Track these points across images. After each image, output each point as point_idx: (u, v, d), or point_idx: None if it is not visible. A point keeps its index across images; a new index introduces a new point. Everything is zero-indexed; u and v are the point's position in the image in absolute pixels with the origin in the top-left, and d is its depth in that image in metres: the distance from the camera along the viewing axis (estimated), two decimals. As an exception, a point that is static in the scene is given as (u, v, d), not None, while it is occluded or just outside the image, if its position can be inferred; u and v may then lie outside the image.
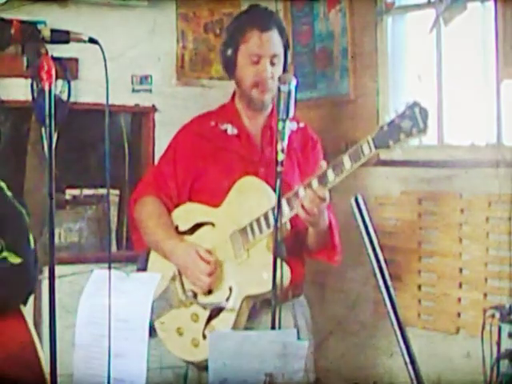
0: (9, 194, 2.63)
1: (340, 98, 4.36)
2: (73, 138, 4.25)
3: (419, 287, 3.89)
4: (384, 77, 4.15)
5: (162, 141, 4.63)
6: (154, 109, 4.60)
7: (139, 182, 3.21)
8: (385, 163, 3.93)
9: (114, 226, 4.59)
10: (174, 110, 4.63)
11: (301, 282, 3.01)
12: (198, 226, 2.94)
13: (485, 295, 3.56)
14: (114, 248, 4.53)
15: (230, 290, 2.79)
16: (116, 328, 2.09)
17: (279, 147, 2.40)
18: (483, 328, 3.29)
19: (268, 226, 2.72)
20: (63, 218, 4.58)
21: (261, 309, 2.82)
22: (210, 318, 2.82)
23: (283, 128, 2.42)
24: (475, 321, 3.48)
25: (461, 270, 3.69)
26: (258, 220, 2.75)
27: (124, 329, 2.14)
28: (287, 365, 1.95)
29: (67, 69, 4.18)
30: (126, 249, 4.65)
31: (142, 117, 4.68)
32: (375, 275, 1.87)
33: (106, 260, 2.16)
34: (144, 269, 3.10)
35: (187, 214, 2.98)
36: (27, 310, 4.24)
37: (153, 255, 3.04)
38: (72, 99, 4.27)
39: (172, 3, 4.62)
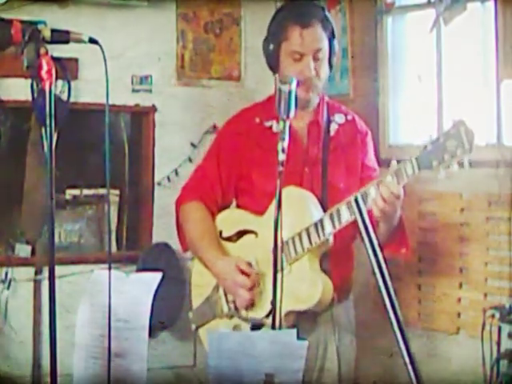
0: None
1: (340, 97, 4.35)
2: (73, 137, 4.25)
3: (419, 287, 3.89)
4: (384, 77, 4.15)
5: (162, 141, 4.64)
6: (154, 109, 4.60)
7: (184, 184, 3.09)
8: (385, 163, 3.92)
9: (113, 226, 4.58)
10: (174, 110, 4.63)
11: (348, 284, 2.93)
12: (241, 233, 2.87)
13: (485, 295, 3.56)
14: (114, 248, 4.53)
15: (272, 303, 2.73)
16: (116, 328, 2.09)
17: (279, 147, 2.38)
18: (483, 328, 3.29)
19: (310, 242, 2.65)
20: (63, 217, 4.58)
21: (303, 323, 2.73)
22: (252, 330, 2.74)
23: (284, 128, 2.40)
24: (475, 321, 3.48)
25: (461, 270, 3.69)
26: (299, 235, 2.67)
27: (124, 329, 2.14)
28: (287, 365, 1.95)
29: (67, 69, 4.18)
30: (126, 249, 4.65)
31: (142, 117, 4.68)
32: (375, 275, 1.87)
33: (106, 260, 2.16)
34: (144, 269, 3.08)
35: (231, 219, 2.90)
36: (28, 310, 4.26)
37: (196, 263, 2.98)
38: (72, 99, 4.27)
39: (172, 3, 4.62)
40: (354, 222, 2.82)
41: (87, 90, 4.33)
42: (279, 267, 2.62)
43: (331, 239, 2.67)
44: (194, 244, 2.91)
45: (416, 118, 4.12)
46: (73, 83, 4.27)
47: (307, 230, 2.66)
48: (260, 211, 2.80)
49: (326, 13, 2.83)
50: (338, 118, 2.92)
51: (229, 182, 2.90)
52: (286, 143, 2.39)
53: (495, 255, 3.53)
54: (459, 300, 3.69)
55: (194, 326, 2.94)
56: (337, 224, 2.60)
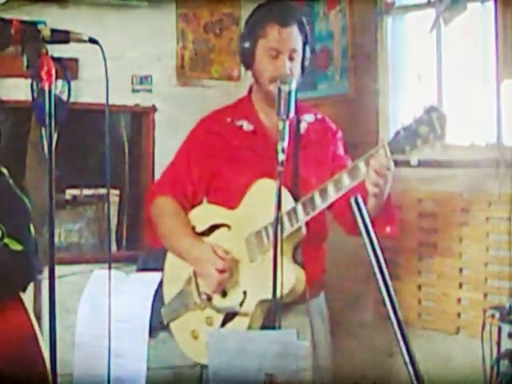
0: (10, 181, 2.61)
1: (340, 97, 4.36)
2: (73, 137, 4.25)
3: (419, 287, 3.89)
4: (384, 77, 4.15)
5: (162, 141, 4.64)
6: (154, 109, 4.60)
7: (155, 181, 3.17)
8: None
9: (113, 226, 4.59)
10: (174, 110, 4.64)
11: (320, 279, 2.96)
12: (214, 227, 2.91)
13: (485, 295, 3.56)
14: (114, 248, 4.54)
15: (245, 294, 2.76)
16: (116, 328, 2.09)
17: (279, 147, 2.39)
18: (483, 328, 3.29)
19: (283, 230, 2.65)
20: (63, 218, 4.58)
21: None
22: (224, 322, 2.79)
23: (283, 128, 2.41)
24: (475, 321, 3.48)
25: (461, 270, 3.69)
26: (272, 224, 2.70)
27: (124, 329, 2.14)
28: (287, 365, 1.95)
29: (67, 69, 4.18)
30: (126, 249, 4.65)
31: (141, 117, 4.69)
32: (375, 275, 1.87)
33: (106, 260, 2.16)
34: (144, 269, 3.09)
35: (204, 215, 2.95)
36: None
37: (169, 257, 3.01)
38: (72, 99, 4.27)
39: (172, 3, 4.62)
40: (325, 220, 2.91)
41: (87, 90, 4.34)
42: (254, 258, 2.75)
43: (304, 229, 2.69)
44: (168, 235, 2.95)
45: (416, 117, 4.11)
46: (73, 83, 4.27)
47: (280, 218, 2.67)
48: (232, 206, 2.85)
49: (303, 18, 2.91)
50: (308, 118, 2.97)
51: (200, 180, 2.95)
52: (285, 143, 2.40)
53: (495, 255, 3.52)
54: (459, 300, 3.69)
55: (165, 322, 2.96)
56: (310, 211, 2.63)
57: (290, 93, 2.44)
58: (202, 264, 2.79)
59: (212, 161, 2.92)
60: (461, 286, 3.69)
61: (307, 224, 2.70)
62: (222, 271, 2.74)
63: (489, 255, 3.56)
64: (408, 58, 4.15)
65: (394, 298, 1.87)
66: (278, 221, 2.36)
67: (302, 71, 2.90)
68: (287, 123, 2.41)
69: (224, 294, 2.81)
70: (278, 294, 2.66)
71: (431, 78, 3.93)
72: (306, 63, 2.90)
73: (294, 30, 2.84)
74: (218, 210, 2.91)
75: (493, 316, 3.29)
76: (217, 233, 2.90)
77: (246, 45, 2.88)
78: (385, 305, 1.86)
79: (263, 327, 2.76)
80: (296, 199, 2.71)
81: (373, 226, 2.80)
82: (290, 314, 2.80)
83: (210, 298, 2.82)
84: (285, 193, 2.72)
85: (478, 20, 3.71)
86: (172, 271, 2.96)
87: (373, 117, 4.16)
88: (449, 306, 3.72)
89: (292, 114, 2.44)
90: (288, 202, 2.70)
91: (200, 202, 2.99)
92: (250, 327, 2.73)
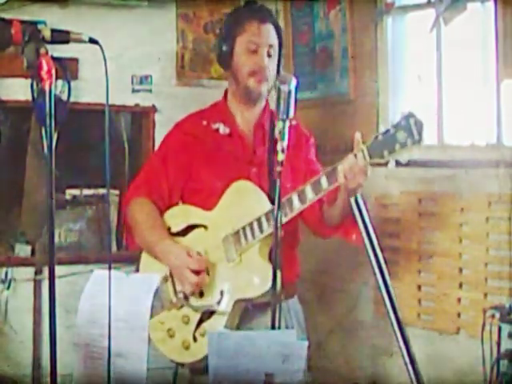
0: None
1: (340, 97, 4.36)
2: (73, 137, 4.25)
3: (419, 287, 3.89)
4: (384, 77, 4.15)
5: (161, 141, 4.64)
6: (154, 109, 4.60)
7: (131, 182, 3.21)
8: (384, 163, 3.92)
9: (113, 225, 4.58)
10: (174, 110, 4.62)
11: (294, 283, 3.01)
12: (190, 227, 2.94)
13: (485, 295, 3.56)
14: (114, 248, 4.53)
15: (222, 293, 2.79)
16: (116, 328, 2.09)
17: (279, 147, 2.40)
18: (483, 328, 3.29)
19: (261, 230, 2.73)
20: (63, 217, 4.58)
21: (253, 312, 2.83)
22: (200, 321, 2.82)
23: (283, 128, 2.41)
24: (475, 321, 3.48)
25: (461, 270, 3.69)
26: (251, 224, 2.75)
27: (124, 329, 2.14)
28: (287, 365, 1.95)
29: (67, 69, 4.18)
30: (126, 249, 4.64)
31: (141, 117, 4.68)
32: (375, 275, 1.87)
33: (106, 260, 2.16)
34: (137, 270, 3.11)
35: (180, 215, 2.98)
36: (28, 310, 4.26)
37: (144, 256, 3.03)
38: (72, 99, 4.27)
39: (172, 3, 4.62)
40: (297, 226, 2.93)
41: (87, 90, 4.33)
42: (231, 258, 2.79)
43: (281, 231, 2.71)
44: (144, 236, 2.97)
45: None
46: (73, 83, 4.26)
47: (258, 219, 2.74)
48: (209, 208, 2.89)
49: (278, 22, 3.05)
50: None
51: (176, 181, 2.98)
52: (285, 143, 2.41)
53: (495, 255, 3.52)
54: (459, 300, 3.69)
55: None
56: (288, 212, 2.67)
57: (289, 93, 2.44)
58: (178, 268, 2.83)
59: (188, 163, 2.97)
60: (461, 286, 3.69)
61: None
62: (197, 272, 2.78)
63: (489, 255, 3.56)
64: (408, 57, 4.15)
65: (394, 298, 1.87)
66: (277, 220, 2.37)
67: (277, 72, 2.96)
68: (287, 123, 2.42)
69: (201, 293, 2.84)
70: (256, 294, 2.70)
71: (431, 78, 3.93)
72: (281, 66, 2.98)
73: (272, 27, 2.95)
74: (194, 210, 2.94)
75: (493, 316, 3.29)
76: (193, 233, 2.93)
77: (224, 46, 2.97)
78: (385, 305, 1.87)
79: (238, 326, 2.80)
80: (272, 202, 2.73)
81: (339, 232, 2.91)
82: (267, 313, 2.83)
83: (186, 297, 2.85)
84: (262, 195, 2.80)
85: (478, 20, 3.71)
86: (147, 270, 2.98)
87: (373, 117, 4.16)
88: (449, 306, 3.72)
89: (291, 114, 2.44)
90: (265, 203, 2.75)
91: (175, 204, 3.02)
92: (227, 326, 2.77)
